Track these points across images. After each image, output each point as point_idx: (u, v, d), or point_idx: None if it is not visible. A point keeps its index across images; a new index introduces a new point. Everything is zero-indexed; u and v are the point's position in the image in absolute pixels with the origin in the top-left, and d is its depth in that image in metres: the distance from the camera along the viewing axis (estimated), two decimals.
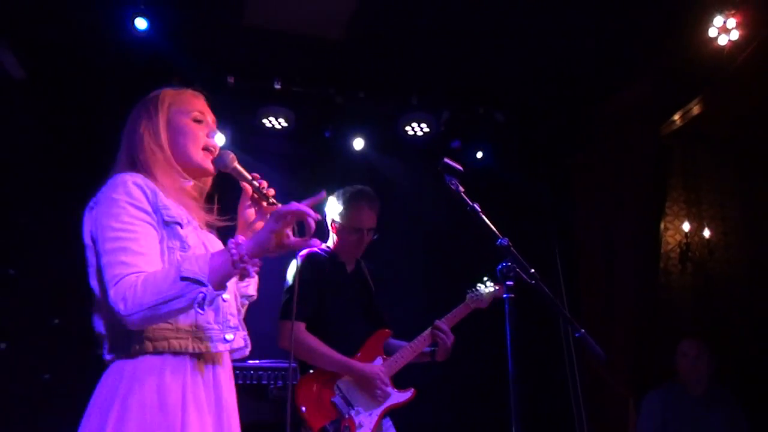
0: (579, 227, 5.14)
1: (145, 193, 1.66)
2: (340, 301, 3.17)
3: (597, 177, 4.97)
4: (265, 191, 1.81)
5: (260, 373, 3.93)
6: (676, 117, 4.48)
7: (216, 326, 1.70)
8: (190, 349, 1.64)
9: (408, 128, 4.79)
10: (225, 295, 1.72)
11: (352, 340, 3.13)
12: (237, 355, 1.86)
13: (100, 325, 1.69)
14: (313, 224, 1.61)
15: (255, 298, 2.02)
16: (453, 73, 4.58)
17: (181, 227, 1.70)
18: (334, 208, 3.26)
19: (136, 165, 1.76)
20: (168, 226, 1.68)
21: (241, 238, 1.57)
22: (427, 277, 4.93)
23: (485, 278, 3.40)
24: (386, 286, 3.42)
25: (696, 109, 4.37)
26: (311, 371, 3.04)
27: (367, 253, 3.34)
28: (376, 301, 3.35)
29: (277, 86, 4.51)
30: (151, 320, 1.55)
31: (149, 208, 1.65)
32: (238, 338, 1.77)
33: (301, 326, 3.01)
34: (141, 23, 3.55)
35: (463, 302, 3.35)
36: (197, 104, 1.88)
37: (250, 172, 1.84)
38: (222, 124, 4.44)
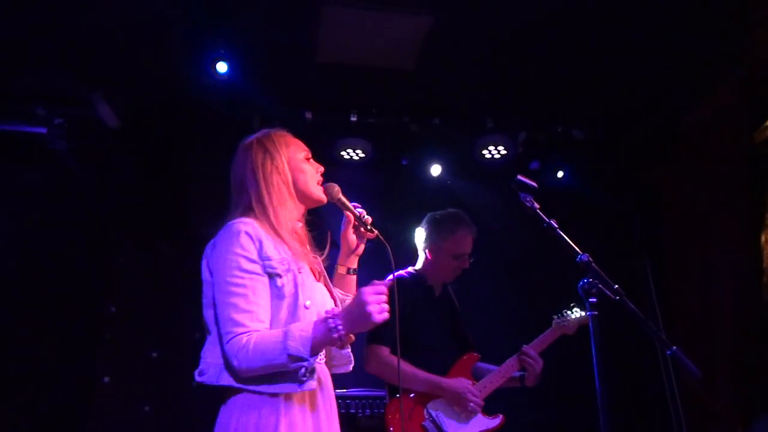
0: (670, 244, 4.91)
1: (254, 243, 1.81)
2: (428, 326, 3.15)
3: (686, 190, 4.75)
4: (364, 219, 2.06)
5: (348, 402, 3.95)
6: None
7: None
8: (279, 390, 1.74)
9: (485, 152, 4.77)
10: None
11: (440, 364, 3.10)
12: (341, 371, 2.05)
13: (212, 354, 1.81)
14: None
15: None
16: (527, 93, 4.53)
17: (280, 277, 1.82)
18: (429, 233, 3.25)
19: (257, 207, 1.91)
20: (271, 278, 1.81)
21: (338, 314, 1.68)
22: (510, 301, 4.83)
23: (572, 304, 3.32)
24: (470, 311, 3.39)
25: None
26: (398, 395, 3.02)
27: None
28: (463, 324, 3.32)
29: (353, 119, 4.61)
30: (259, 374, 1.71)
31: (258, 259, 1.80)
32: (310, 382, 1.78)
33: (386, 350, 3.00)
34: (222, 67, 3.73)
35: (550, 328, 3.28)
36: (303, 145, 2.10)
37: (351, 202, 2.08)
38: None
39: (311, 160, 2.08)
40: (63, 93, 4.23)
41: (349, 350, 2.02)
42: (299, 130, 4.53)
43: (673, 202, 4.94)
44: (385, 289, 1.67)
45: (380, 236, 2.06)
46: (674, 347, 1.95)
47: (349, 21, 3.75)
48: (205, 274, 1.86)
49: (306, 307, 1.83)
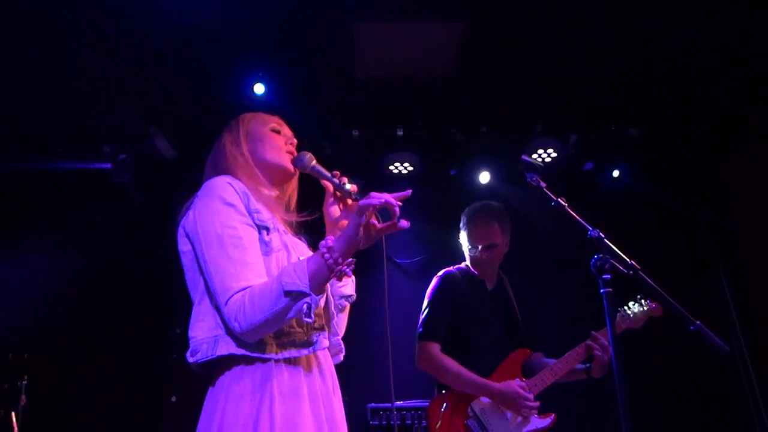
0: (746, 244, 4.58)
1: (238, 193, 1.66)
2: (478, 321, 3.10)
3: (760, 184, 4.42)
4: (345, 187, 1.79)
5: (404, 413, 3.93)
6: None
7: (299, 329, 1.64)
8: (288, 355, 1.61)
9: (534, 156, 4.68)
10: None
11: (488, 361, 3.02)
12: (333, 361, 1.84)
13: (202, 328, 1.63)
14: (397, 210, 1.57)
15: (354, 298, 1.96)
16: (574, 93, 4.43)
17: (268, 233, 1.69)
18: (461, 227, 3.28)
19: (220, 170, 1.80)
20: (259, 231, 1.68)
21: (331, 239, 1.54)
22: (569, 303, 4.62)
23: (639, 296, 3.17)
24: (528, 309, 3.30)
25: None
26: (443, 391, 2.98)
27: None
28: (518, 319, 3.20)
29: (400, 133, 4.65)
30: (264, 332, 1.56)
31: (245, 210, 1.66)
32: (322, 339, 1.68)
33: (436, 347, 2.99)
34: (259, 88, 3.85)
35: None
36: (274, 119, 1.95)
37: (330, 171, 1.84)
38: (351, 176, 4.68)
39: (282, 132, 1.92)
40: (125, 130, 4.51)
41: (340, 338, 1.87)
42: (348, 149, 4.64)
43: (746, 198, 4.62)
44: (385, 196, 1.54)
45: None
46: (698, 322, 1.84)
47: (381, 34, 3.83)
48: (183, 244, 1.71)
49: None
